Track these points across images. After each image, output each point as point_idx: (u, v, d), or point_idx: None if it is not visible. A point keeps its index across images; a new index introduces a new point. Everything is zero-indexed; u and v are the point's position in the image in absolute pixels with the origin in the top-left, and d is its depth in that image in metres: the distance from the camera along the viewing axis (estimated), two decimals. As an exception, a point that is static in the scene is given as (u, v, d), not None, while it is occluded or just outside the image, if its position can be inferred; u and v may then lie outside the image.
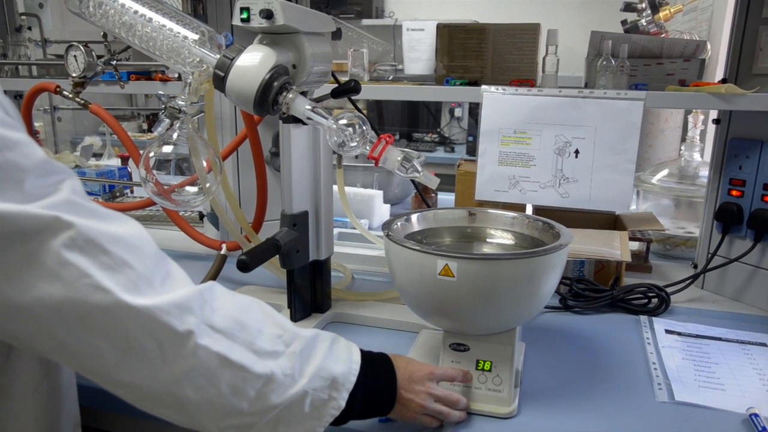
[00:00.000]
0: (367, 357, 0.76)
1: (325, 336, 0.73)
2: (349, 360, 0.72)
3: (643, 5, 1.61)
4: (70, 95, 1.36)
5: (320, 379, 0.68)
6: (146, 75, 1.51)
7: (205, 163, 1.06)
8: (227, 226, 1.25)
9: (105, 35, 1.40)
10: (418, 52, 1.65)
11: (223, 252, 1.26)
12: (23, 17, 1.89)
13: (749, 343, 1.06)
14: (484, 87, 1.32)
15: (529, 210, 1.42)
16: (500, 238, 1.00)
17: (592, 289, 1.22)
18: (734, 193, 1.24)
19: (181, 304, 0.61)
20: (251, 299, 0.71)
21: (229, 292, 0.69)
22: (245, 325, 0.65)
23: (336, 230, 1.50)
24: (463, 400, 0.82)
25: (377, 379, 0.75)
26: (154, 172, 1.01)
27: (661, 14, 1.58)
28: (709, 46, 1.54)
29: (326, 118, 0.86)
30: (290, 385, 0.65)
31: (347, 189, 1.59)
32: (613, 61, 1.29)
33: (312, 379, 0.67)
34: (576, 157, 1.28)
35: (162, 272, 0.63)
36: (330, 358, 0.70)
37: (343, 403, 0.69)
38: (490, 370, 0.85)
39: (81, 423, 0.86)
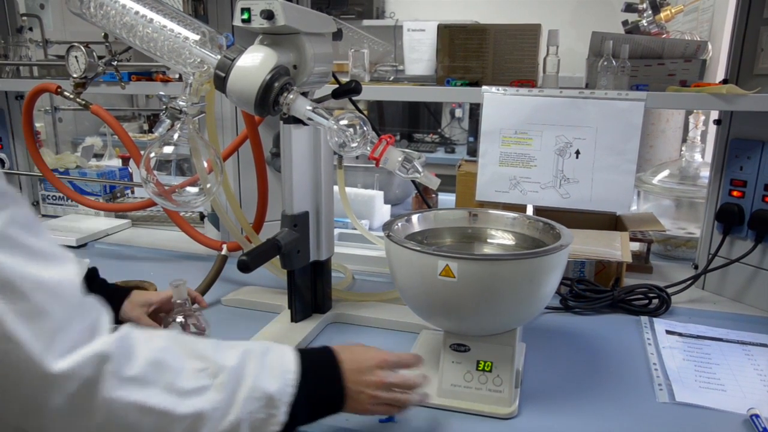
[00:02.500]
0: (308, 359, 0.73)
1: (256, 352, 0.69)
2: (284, 371, 0.69)
3: (644, 6, 1.61)
4: (71, 96, 1.37)
5: (254, 401, 0.65)
6: (147, 75, 1.52)
7: (205, 164, 1.06)
8: (228, 226, 1.25)
9: (106, 36, 1.40)
10: (419, 52, 1.65)
11: (223, 252, 1.26)
12: (24, 18, 1.89)
13: (750, 343, 1.06)
14: (484, 87, 1.32)
15: (529, 210, 1.42)
16: (501, 238, 1.00)
17: (593, 290, 1.22)
18: (735, 193, 1.23)
19: (95, 357, 0.57)
20: (170, 336, 0.67)
21: (147, 332, 0.65)
22: (164, 367, 0.62)
23: (336, 231, 1.50)
24: (419, 381, 0.79)
25: (319, 380, 0.73)
26: (155, 172, 1.01)
27: (662, 15, 1.58)
28: (710, 47, 1.54)
29: (327, 119, 0.86)
30: (222, 417, 0.63)
31: (348, 189, 1.59)
32: (614, 61, 1.29)
33: (246, 404, 0.64)
34: (577, 157, 1.28)
35: (83, 323, 0.58)
36: (263, 376, 0.67)
37: (283, 418, 0.66)
38: (490, 371, 0.85)
39: None
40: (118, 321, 0.98)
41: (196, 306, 1.01)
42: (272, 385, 0.67)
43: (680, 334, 1.10)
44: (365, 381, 0.75)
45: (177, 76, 1.48)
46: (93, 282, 1.01)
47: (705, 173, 1.52)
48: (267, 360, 0.69)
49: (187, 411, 0.61)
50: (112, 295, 0.99)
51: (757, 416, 0.81)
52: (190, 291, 1.04)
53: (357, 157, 0.90)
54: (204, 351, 0.66)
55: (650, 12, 1.59)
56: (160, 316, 1.03)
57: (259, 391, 0.66)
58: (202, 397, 0.62)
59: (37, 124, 2.45)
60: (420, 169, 0.86)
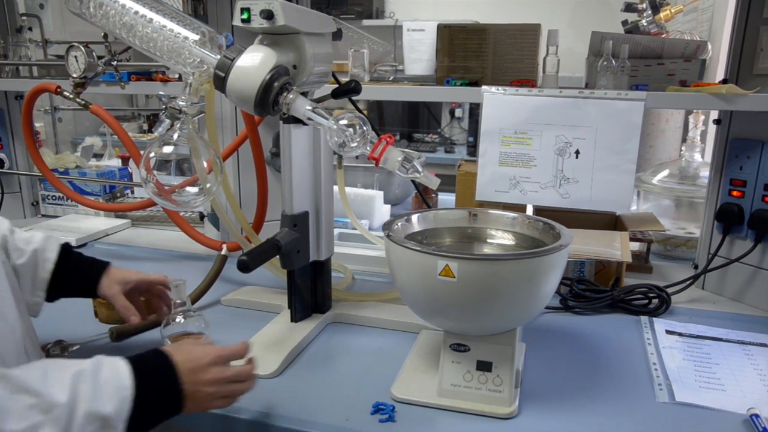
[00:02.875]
0: (142, 368, 0.71)
1: (87, 373, 0.67)
2: (119, 388, 0.68)
3: (644, 6, 1.61)
4: (71, 96, 1.36)
5: (91, 425, 0.64)
6: (147, 75, 1.52)
7: (205, 164, 1.06)
8: (228, 226, 1.25)
9: (105, 36, 1.40)
10: (419, 52, 1.65)
11: (223, 252, 1.26)
12: (24, 18, 1.89)
13: (750, 343, 1.06)
14: (484, 87, 1.32)
15: (529, 210, 1.42)
16: (501, 238, 1.00)
17: (593, 290, 1.22)
18: (735, 193, 1.23)
19: None
20: None
21: None
22: None
23: (336, 231, 1.50)
24: (253, 369, 0.81)
25: (156, 388, 0.72)
26: (155, 172, 1.01)
27: (662, 14, 1.58)
28: (709, 47, 1.54)
29: (327, 119, 0.86)
30: None
31: (348, 189, 1.59)
32: (613, 61, 1.29)
33: (83, 431, 0.63)
34: (576, 157, 1.28)
35: None
36: (98, 398, 0.65)
37: None
38: (490, 371, 0.85)
39: None
40: (96, 296, 0.99)
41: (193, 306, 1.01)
42: (108, 407, 0.66)
43: (680, 334, 1.10)
44: (202, 380, 0.75)
45: (177, 75, 1.48)
46: (68, 258, 0.99)
47: (705, 173, 1.52)
48: (100, 379, 0.67)
49: None
50: (89, 269, 1.00)
51: (756, 416, 0.82)
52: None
53: (357, 157, 0.90)
54: (32, 384, 0.63)
55: (650, 12, 1.59)
56: (141, 300, 1.03)
57: (95, 415, 0.64)
58: None
59: (36, 124, 2.45)
60: (420, 169, 0.86)
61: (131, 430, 0.67)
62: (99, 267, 1.01)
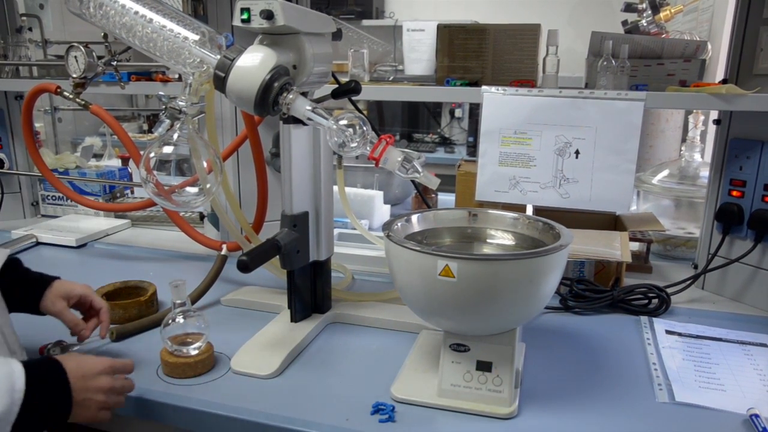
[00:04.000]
0: (34, 373, 0.72)
1: None
2: (11, 390, 0.69)
3: (644, 6, 1.61)
4: (71, 96, 1.36)
5: None
6: (147, 76, 1.51)
7: (205, 164, 1.06)
8: (227, 226, 1.25)
9: (105, 36, 1.40)
10: (419, 52, 1.65)
11: (223, 252, 1.26)
12: (24, 18, 1.89)
13: (750, 343, 1.06)
14: (484, 87, 1.32)
15: (529, 210, 1.42)
16: (500, 238, 1.00)
17: (593, 290, 1.22)
18: (735, 193, 1.24)
19: None
20: None
21: None
22: None
23: (336, 231, 1.50)
24: (131, 383, 0.85)
25: (46, 393, 0.73)
26: (155, 172, 1.01)
27: (662, 15, 1.59)
28: (709, 47, 1.54)
29: (326, 119, 0.86)
30: None
31: (347, 189, 1.59)
32: (613, 61, 1.29)
33: None
34: (576, 157, 1.28)
35: None
36: None
37: None
38: (490, 371, 0.85)
39: None
40: (40, 313, 0.96)
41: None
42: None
43: (680, 334, 1.10)
44: (92, 387, 0.77)
45: (176, 76, 1.48)
46: (15, 272, 0.97)
47: (704, 173, 1.52)
48: None
49: None
50: (33, 285, 0.97)
51: (756, 416, 0.82)
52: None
53: (357, 157, 0.90)
54: None
55: (650, 12, 1.60)
56: (90, 312, 1.00)
57: None
58: None
59: (36, 124, 2.45)
60: (419, 169, 0.86)
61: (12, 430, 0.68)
62: (43, 282, 0.97)
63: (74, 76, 1.36)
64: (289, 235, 1.01)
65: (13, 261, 0.97)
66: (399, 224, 0.95)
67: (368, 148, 0.85)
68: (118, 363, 0.83)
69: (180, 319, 0.94)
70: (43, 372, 0.75)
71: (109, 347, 1.03)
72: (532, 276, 0.81)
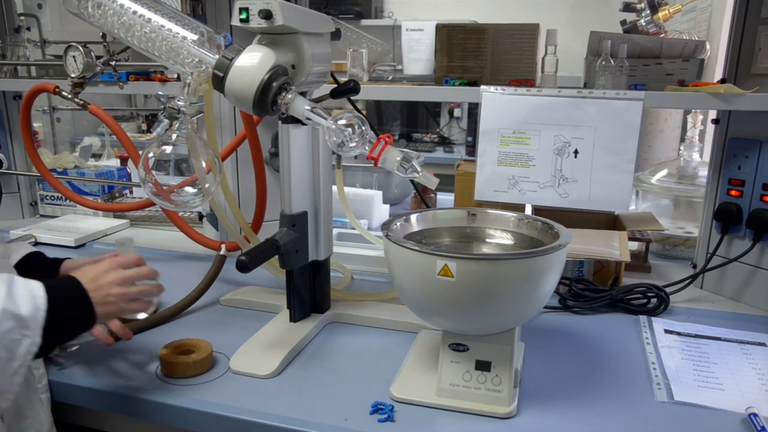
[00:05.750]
0: (50, 284, 0.77)
1: (2, 280, 0.73)
2: (33, 297, 0.73)
3: (642, 5, 1.61)
4: (69, 96, 1.36)
5: (7, 323, 0.69)
6: (145, 75, 1.51)
7: (204, 164, 1.06)
8: (226, 226, 1.25)
9: (104, 36, 1.40)
10: (417, 52, 1.65)
11: (222, 252, 1.26)
12: (22, 18, 1.89)
13: (748, 342, 1.07)
14: (483, 87, 1.32)
15: (528, 210, 1.42)
16: (499, 238, 1.00)
17: (592, 289, 1.22)
18: (733, 193, 1.24)
19: None
20: None
21: None
22: None
23: (335, 230, 1.50)
24: (154, 270, 0.89)
25: (66, 298, 0.78)
26: (154, 172, 1.01)
27: (660, 14, 1.59)
28: (708, 46, 1.54)
29: (325, 119, 0.86)
30: None
31: (346, 189, 1.59)
32: (612, 61, 1.29)
33: None
34: (575, 157, 1.28)
35: None
36: (12, 301, 0.71)
37: (38, 339, 0.72)
38: (489, 371, 0.85)
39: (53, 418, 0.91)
40: None
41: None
42: (23, 309, 0.71)
43: (678, 334, 1.10)
44: (105, 283, 0.82)
45: (175, 75, 1.48)
46: (37, 262, 1.05)
47: (703, 172, 1.52)
48: (15, 288, 0.73)
49: None
50: (48, 268, 1.04)
51: (755, 415, 0.82)
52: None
53: (356, 157, 0.90)
54: None
55: (648, 12, 1.60)
56: None
57: (11, 313, 0.70)
58: None
59: (35, 124, 2.44)
60: (418, 169, 0.86)
61: (48, 340, 0.73)
62: (55, 263, 1.05)
63: (73, 75, 1.36)
64: (288, 235, 1.01)
65: (35, 254, 1.05)
66: (398, 224, 0.95)
67: (367, 148, 0.85)
68: (122, 258, 0.88)
69: None
70: (58, 282, 0.83)
71: (109, 347, 1.02)
72: (531, 275, 0.81)
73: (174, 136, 0.98)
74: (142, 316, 0.94)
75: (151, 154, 1.00)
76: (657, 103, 1.26)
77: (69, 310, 0.78)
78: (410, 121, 4.04)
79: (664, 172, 1.65)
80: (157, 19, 0.94)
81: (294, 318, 1.10)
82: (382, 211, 1.81)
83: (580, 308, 1.20)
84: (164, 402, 0.87)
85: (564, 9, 3.58)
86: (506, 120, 1.31)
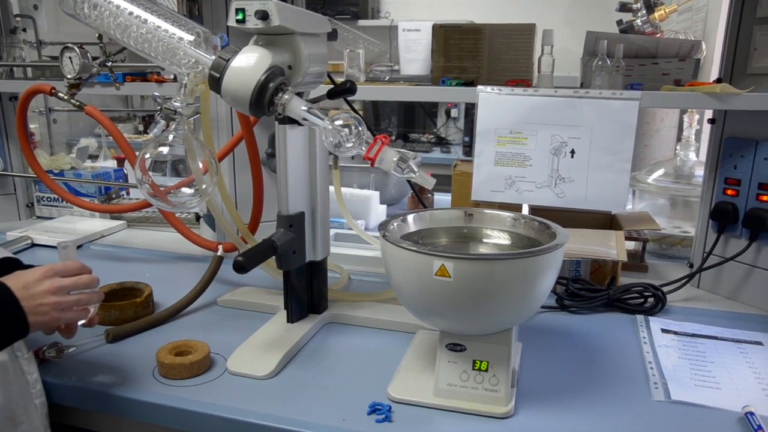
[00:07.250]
0: None
1: None
2: None
3: (639, 5, 1.62)
4: (66, 97, 1.36)
5: None
6: (142, 76, 1.51)
7: (201, 165, 1.06)
8: (223, 227, 1.25)
9: (100, 36, 1.39)
10: (414, 52, 1.65)
11: (219, 253, 1.26)
12: (18, 19, 1.89)
13: (745, 341, 1.07)
14: (479, 87, 1.32)
15: (525, 210, 1.42)
16: (496, 238, 1.01)
17: (589, 289, 1.22)
18: (729, 192, 1.24)
19: None
20: None
21: None
22: None
23: (332, 231, 1.50)
24: (94, 278, 0.84)
25: None
26: (150, 173, 1.01)
27: (656, 14, 1.59)
28: (703, 46, 1.54)
29: (322, 119, 0.86)
30: None
31: (343, 190, 1.59)
32: (608, 61, 1.29)
33: None
34: (572, 157, 1.28)
35: None
36: None
37: None
38: (486, 370, 0.85)
39: (49, 420, 0.89)
40: None
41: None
42: None
43: (675, 333, 1.10)
44: (39, 292, 0.78)
45: (172, 76, 1.48)
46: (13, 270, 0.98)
47: (699, 172, 1.52)
48: None
49: None
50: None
51: (751, 414, 0.82)
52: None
53: (352, 158, 0.90)
54: None
55: (644, 11, 1.60)
56: None
57: None
58: None
59: (31, 126, 2.44)
60: (415, 169, 0.86)
61: None
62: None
63: (69, 77, 1.35)
64: (285, 236, 1.01)
65: (11, 260, 0.97)
66: (395, 224, 0.95)
67: (364, 149, 0.85)
68: (58, 265, 0.84)
69: None
70: None
71: (106, 349, 1.02)
72: (528, 275, 0.81)
73: (171, 137, 0.98)
74: (80, 322, 0.89)
75: (147, 155, 1.00)
76: (653, 102, 1.26)
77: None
78: (407, 122, 4.04)
79: (660, 171, 1.66)
80: (154, 19, 0.93)
81: (291, 319, 1.10)
82: (379, 212, 1.81)
83: (577, 308, 1.20)
84: (161, 403, 0.87)
85: (560, 9, 3.59)
86: (503, 120, 1.31)
